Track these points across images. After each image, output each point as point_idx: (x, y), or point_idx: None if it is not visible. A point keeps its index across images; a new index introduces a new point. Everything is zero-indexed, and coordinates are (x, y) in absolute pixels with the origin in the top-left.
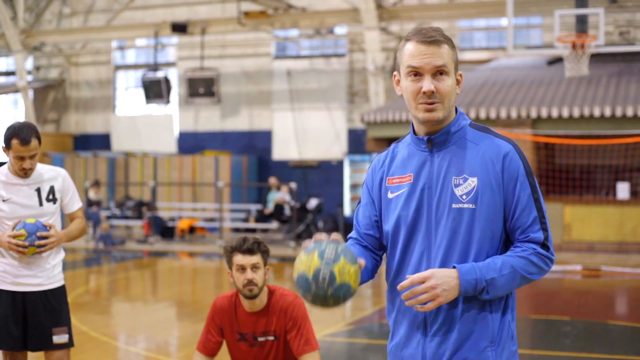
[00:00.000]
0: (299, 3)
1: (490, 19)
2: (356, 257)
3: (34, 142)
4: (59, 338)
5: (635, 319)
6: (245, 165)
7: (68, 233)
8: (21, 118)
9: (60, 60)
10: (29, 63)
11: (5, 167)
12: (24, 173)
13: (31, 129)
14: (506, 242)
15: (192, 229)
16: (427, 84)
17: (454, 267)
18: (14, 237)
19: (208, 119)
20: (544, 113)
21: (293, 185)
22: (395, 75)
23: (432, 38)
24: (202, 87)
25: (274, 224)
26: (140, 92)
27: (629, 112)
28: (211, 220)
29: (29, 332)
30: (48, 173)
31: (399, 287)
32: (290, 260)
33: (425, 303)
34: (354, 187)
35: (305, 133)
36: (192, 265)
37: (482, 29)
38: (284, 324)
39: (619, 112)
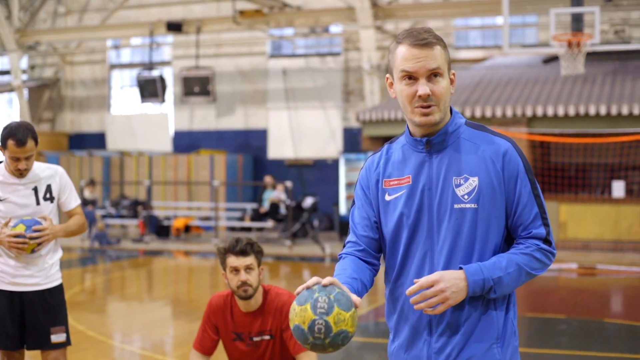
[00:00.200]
0: (294, 2)
1: (486, 17)
2: (351, 300)
3: (30, 143)
4: (57, 337)
5: (631, 317)
6: (241, 164)
7: (65, 228)
8: (16, 117)
9: (55, 60)
10: (24, 62)
11: (2, 165)
12: (19, 173)
13: (28, 129)
14: (507, 239)
15: (187, 228)
16: (423, 88)
17: (461, 268)
18: (14, 235)
19: (203, 117)
20: (539, 112)
21: (288, 184)
22: (387, 78)
23: (424, 41)
24: (197, 86)
25: (269, 223)
26: (136, 91)
27: (624, 111)
28: (207, 219)
29: (27, 331)
30: (45, 172)
31: (407, 292)
32: (286, 259)
33: (434, 306)
34: (349, 185)
35: (300, 132)
36: (188, 264)
37: (478, 27)
38: (280, 323)
39: (614, 111)
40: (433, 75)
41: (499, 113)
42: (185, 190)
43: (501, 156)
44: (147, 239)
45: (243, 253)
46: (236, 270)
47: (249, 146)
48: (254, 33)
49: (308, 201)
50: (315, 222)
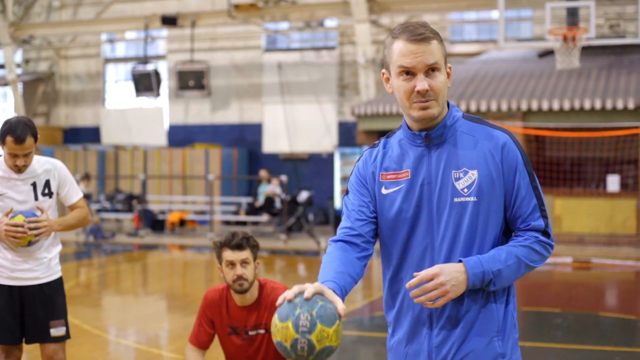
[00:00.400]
0: None
1: (481, 11)
2: (334, 313)
3: (28, 140)
4: (57, 331)
5: (626, 311)
6: (236, 158)
7: (63, 222)
8: (10, 111)
9: (49, 53)
10: (18, 56)
11: (1, 159)
12: (17, 170)
13: (27, 126)
14: (505, 231)
15: (182, 222)
16: (421, 83)
17: (460, 261)
18: (13, 225)
19: (198, 111)
20: (534, 106)
21: (283, 178)
22: (384, 73)
23: (421, 36)
24: (192, 80)
25: (264, 217)
26: (130, 85)
27: (619, 105)
28: (201, 213)
29: (26, 325)
30: (43, 166)
31: (407, 285)
32: (281, 253)
33: (434, 300)
34: (344, 179)
35: (295, 126)
36: (183, 258)
37: (473, 21)
38: None
39: (609, 105)
40: (431, 70)
41: (494, 107)
42: (180, 184)
43: (500, 149)
44: (142, 233)
45: (239, 247)
46: (232, 264)
47: (244, 140)
48: (249, 27)
49: (303, 195)
50: (310, 216)
